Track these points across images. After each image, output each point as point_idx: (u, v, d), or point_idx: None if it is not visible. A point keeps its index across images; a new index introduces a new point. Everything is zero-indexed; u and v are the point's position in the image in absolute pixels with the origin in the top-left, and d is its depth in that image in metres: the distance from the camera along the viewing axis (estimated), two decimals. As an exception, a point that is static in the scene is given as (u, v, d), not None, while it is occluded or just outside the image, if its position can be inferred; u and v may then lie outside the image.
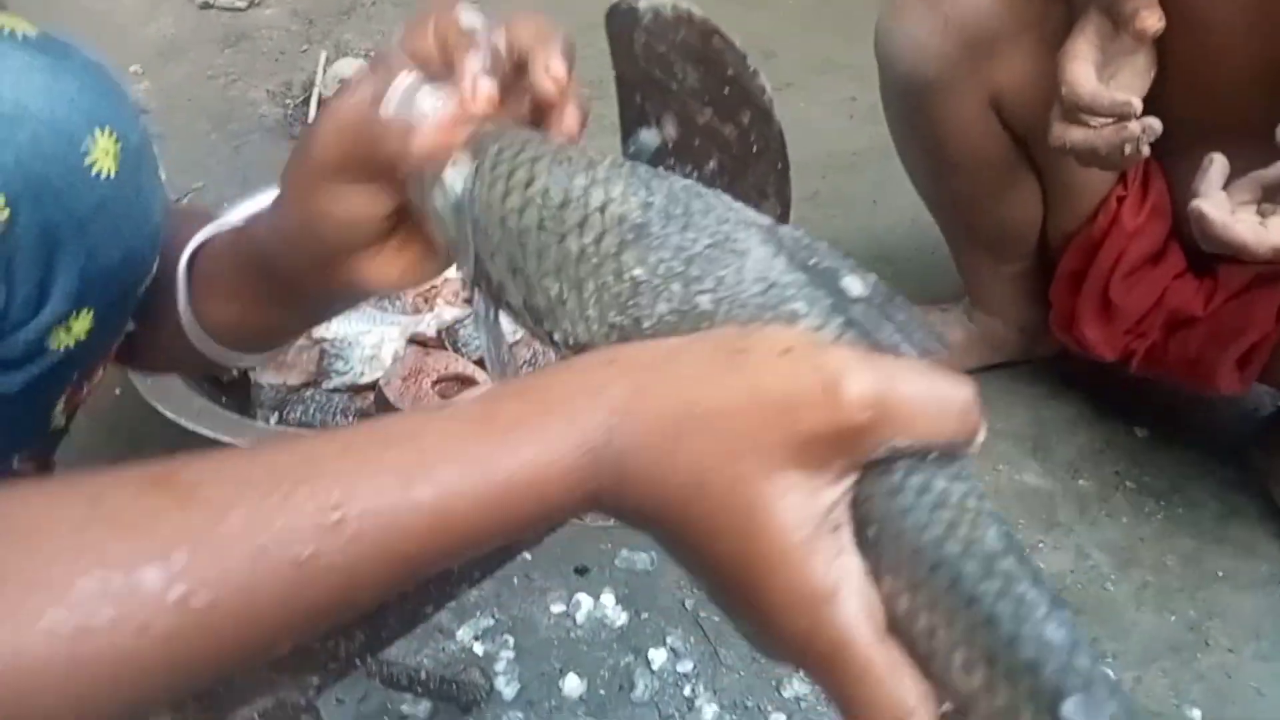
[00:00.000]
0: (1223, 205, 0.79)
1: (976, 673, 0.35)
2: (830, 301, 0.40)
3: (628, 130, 0.58)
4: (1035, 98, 0.98)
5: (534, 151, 0.44)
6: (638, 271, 0.41)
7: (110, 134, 0.65)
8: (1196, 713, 1.01)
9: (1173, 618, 1.09)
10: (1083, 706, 0.33)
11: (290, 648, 0.38)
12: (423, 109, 0.47)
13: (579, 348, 0.43)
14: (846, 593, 0.35)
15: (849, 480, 0.36)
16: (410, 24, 0.53)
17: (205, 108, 1.81)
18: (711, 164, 0.57)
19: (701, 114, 0.56)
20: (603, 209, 0.42)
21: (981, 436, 0.39)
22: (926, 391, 0.37)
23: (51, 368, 0.67)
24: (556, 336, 0.43)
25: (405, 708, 1.00)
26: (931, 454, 0.37)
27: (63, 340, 0.67)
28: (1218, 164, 0.82)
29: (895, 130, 1.14)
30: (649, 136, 0.56)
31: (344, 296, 0.63)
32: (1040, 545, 1.15)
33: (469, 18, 0.50)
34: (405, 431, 0.39)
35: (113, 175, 0.64)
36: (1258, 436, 1.20)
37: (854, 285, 0.41)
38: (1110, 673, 0.35)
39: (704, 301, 0.40)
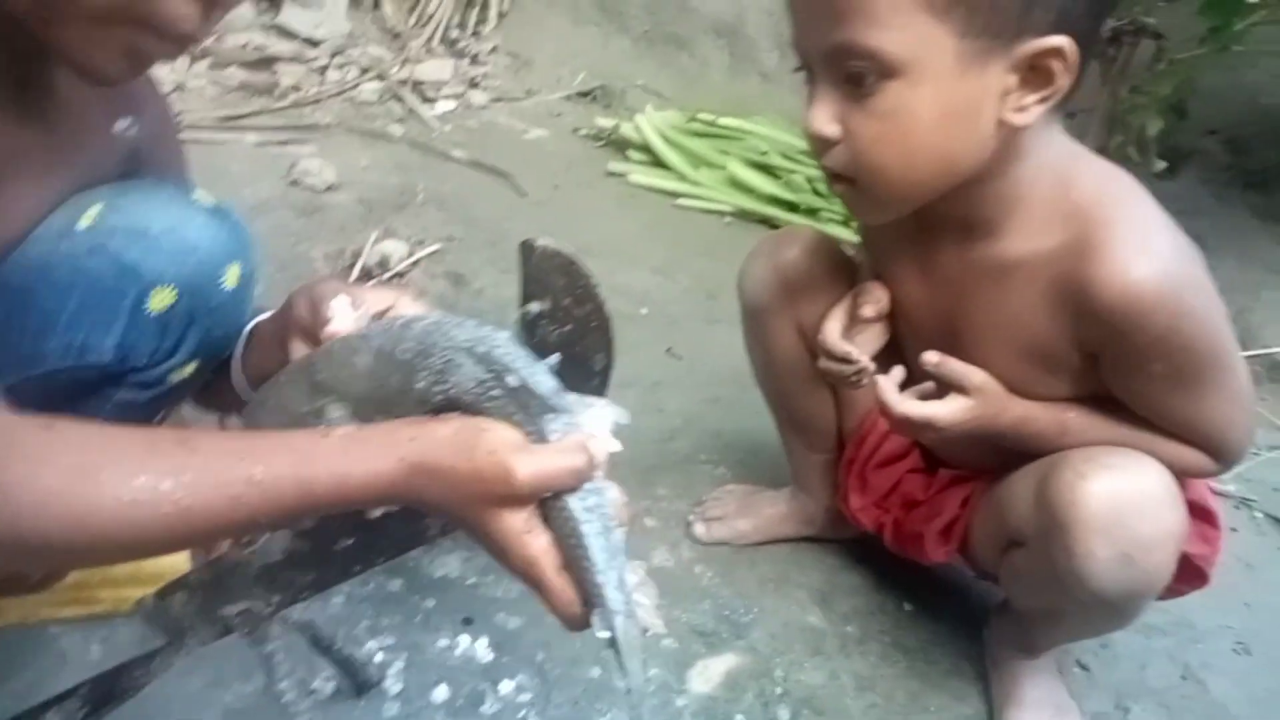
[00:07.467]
0: (894, 386, 1.17)
1: (587, 577, 0.70)
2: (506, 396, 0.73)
3: (523, 300, 0.93)
4: None
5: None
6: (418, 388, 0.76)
7: (237, 266, 1.04)
8: (884, 796, 1.32)
9: (887, 732, 1.40)
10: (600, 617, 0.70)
11: (236, 538, 0.74)
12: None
13: None
14: (542, 551, 0.70)
15: (533, 505, 0.70)
16: (311, 300, 0.94)
17: (275, 256, 2.19)
18: (568, 328, 0.91)
19: (564, 301, 0.90)
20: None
21: (602, 465, 0.72)
22: (561, 465, 0.69)
23: (165, 392, 1.06)
24: None
25: (316, 684, 1.31)
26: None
27: (176, 376, 1.05)
28: (898, 369, 1.21)
29: (746, 342, 1.48)
30: (535, 305, 0.92)
31: None
32: (805, 664, 1.45)
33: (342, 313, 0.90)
34: (304, 441, 0.71)
35: (232, 289, 1.04)
36: (989, 620, 1.51)
37: (544, 383, 0.74)
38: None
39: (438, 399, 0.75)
